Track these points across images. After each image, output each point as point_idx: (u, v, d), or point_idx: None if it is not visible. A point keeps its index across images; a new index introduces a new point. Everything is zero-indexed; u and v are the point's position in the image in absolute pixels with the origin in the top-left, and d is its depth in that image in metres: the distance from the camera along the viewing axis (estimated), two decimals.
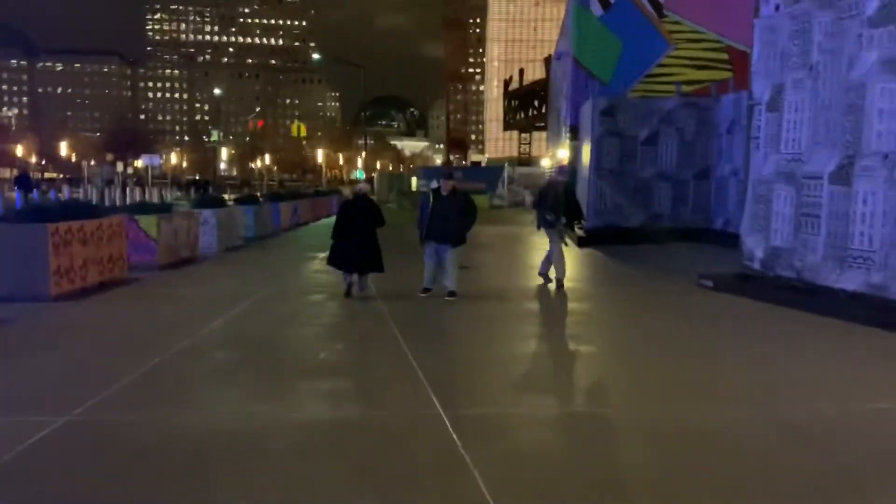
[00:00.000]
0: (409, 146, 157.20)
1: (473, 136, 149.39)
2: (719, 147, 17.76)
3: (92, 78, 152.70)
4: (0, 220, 10.53)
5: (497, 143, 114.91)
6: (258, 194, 27.35)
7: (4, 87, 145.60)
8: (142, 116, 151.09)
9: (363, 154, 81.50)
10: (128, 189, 43.84)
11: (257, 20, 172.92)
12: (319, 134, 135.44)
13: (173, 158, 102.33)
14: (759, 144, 10.99)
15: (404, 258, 11.68)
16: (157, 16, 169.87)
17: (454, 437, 4.45)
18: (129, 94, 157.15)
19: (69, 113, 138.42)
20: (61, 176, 73.55)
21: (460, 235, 9.53)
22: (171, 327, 7.72)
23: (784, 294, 9.35)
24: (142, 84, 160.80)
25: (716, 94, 18.83)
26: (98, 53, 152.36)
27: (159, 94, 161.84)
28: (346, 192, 10.88)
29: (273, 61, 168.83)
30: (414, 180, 49.79)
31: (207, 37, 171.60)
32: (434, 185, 9.77)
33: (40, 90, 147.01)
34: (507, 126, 68.26)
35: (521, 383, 5.85)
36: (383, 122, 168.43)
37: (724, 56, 23.19)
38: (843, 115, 9.01)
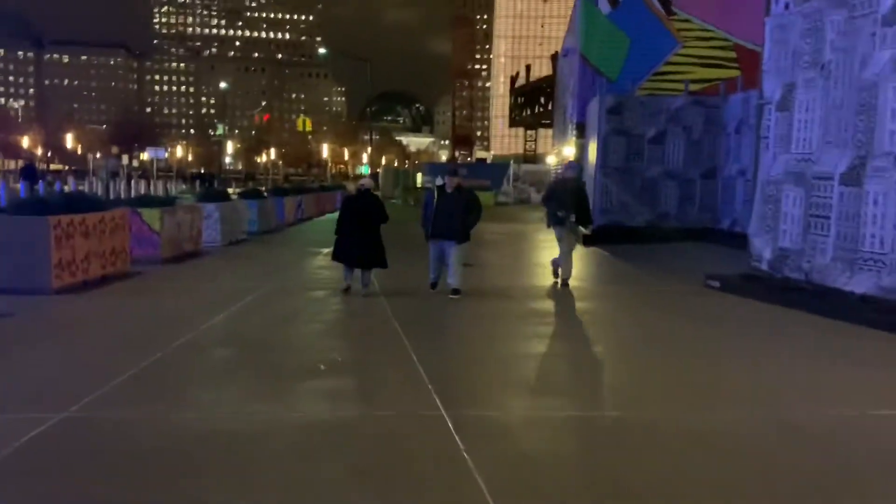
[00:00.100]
0: (415, 142, 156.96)
1: (479, 133, 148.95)
2: (727, 146, 17.64)
3: (98, 70, 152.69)
4: (1, 211, 10.45)
5: (503, 139, 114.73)
6: (262, 188, 27.29)
7: (11, 78, 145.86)
8: (148, 109, 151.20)
9: (369, 149, 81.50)
10: (133, 182, 43.85)
11: (264, 14, 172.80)
12: (325, 128, 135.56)
13: (179, 152, 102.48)
14: (768, 144, 10.87)
15: (408, 255, 11.61)
16: (164, 9, 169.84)
17: (456, 438, 4.38)
18: (136, 86, 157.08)
19: (75, 105, 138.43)
20: (67, 168, 73.67)
21: (465, 232, 9.46)
22: (172, 322, 7.67)
23: (792, 296, 9.25)
24: (148, 77, 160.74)
25: (724, 93, 18.70)
26: (105, 46, 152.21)
27: (165, 88, 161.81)
28: (350, 187, 10.82)
29: (279, 55, 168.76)
30: (419, 176, 49.81)
31: (214, 30, 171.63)
32: (439, 181, 9.70)
33: (47, 82, 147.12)
34: (513, 123, 68.23)
35: (524, 383, 5.79)
36: (389, 118, 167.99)
37: (733, 55, 22.98)
38: (855, 115, 8.90)
